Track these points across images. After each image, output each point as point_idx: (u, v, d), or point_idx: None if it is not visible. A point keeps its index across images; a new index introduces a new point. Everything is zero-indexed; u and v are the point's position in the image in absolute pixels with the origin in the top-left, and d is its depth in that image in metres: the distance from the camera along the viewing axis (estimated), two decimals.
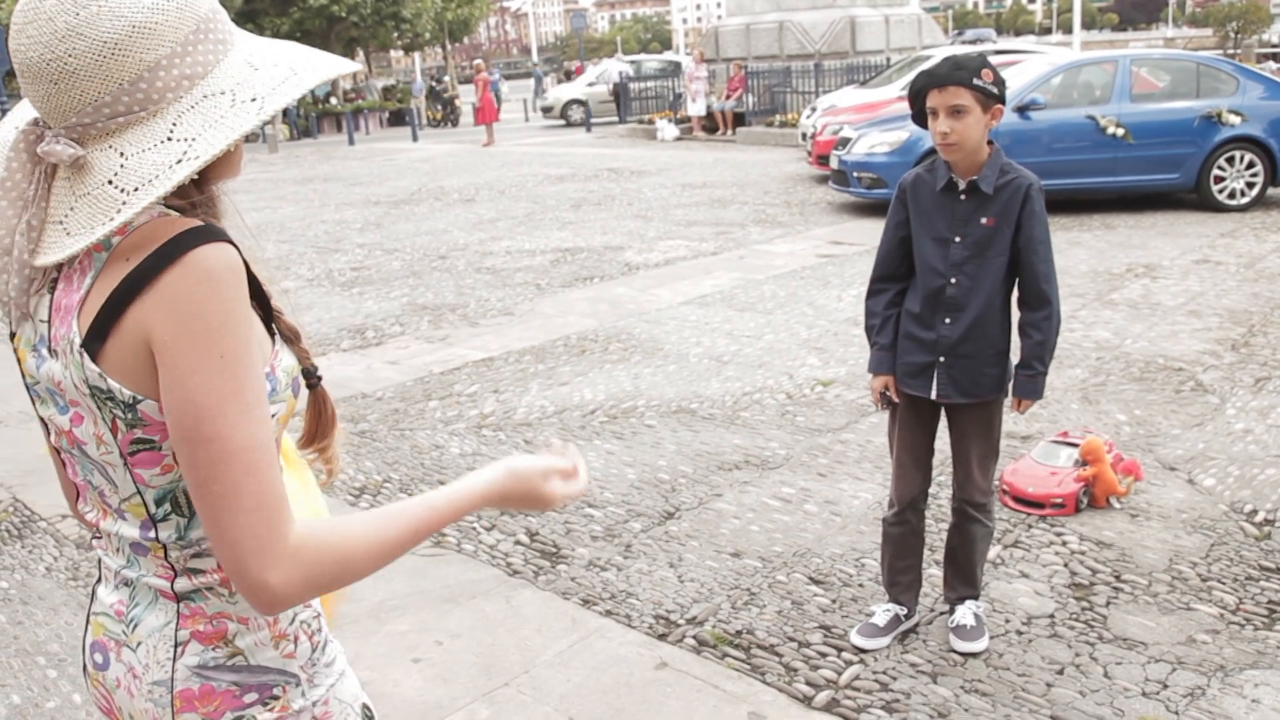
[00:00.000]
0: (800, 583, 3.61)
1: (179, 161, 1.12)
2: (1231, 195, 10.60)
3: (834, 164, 11.78)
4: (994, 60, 2.93)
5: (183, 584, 1.26)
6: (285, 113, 31.14)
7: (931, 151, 3.11)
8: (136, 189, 1.11)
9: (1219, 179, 10.58)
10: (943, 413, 3.14)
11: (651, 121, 24.11)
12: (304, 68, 1.22)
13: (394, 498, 4.48)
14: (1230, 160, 10.53)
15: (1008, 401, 3.11)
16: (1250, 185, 10.57)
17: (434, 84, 34.82)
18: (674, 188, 14.58)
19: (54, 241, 1.15)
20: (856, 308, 7.05)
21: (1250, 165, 10.52)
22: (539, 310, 7.78)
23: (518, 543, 4.02)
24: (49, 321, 1.20)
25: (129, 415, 1.17)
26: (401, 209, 13.89)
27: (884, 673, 3.08)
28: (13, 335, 1.28)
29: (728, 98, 21.97)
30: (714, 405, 5.45)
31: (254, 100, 1.16)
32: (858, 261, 8.83)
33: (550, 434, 5.15)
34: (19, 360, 1.28)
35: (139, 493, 1.23)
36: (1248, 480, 4.27)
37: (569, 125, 28.70)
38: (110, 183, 1.12)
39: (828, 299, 7.64)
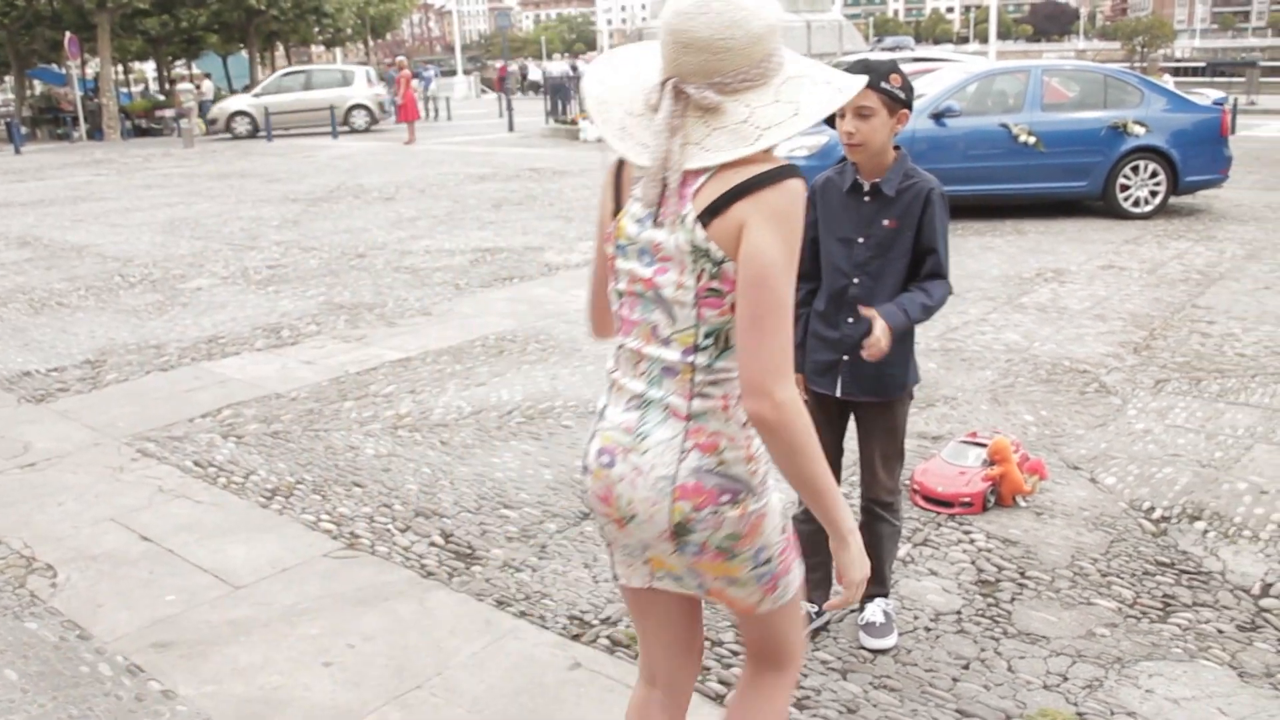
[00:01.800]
0: None
1: (795, 115, 1.70)
2: (1136, 203, 10.92)
3: None
4: (912, 67, 3.00)
5: (696, 404, 1.77)
6: (200, 106, 30.62)
7: None
8: (769, 129, 1.69)
9: (1124, 187, 10.89)
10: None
11: (574, 122, 24.08)
12: (835, 71, 1.78)
13: (306, 499, 4.42)
14: (1135, 169, 10.85)
15: (913, 401, 3.16)
16: (1153, 194, 10.90)
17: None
18: (595, 188, 14.55)
19: (694, 155, 1.70)
20: None
21: (1154, 175, 10.85)
22: (457, 310, 7.72)
23: (432, 544, 3.99)
24: (659, 202, 1.74)
25: (714, 269, 1.71)
26: (320, 207, 13.70)
27: None
28: (615, 213, 1.84)
29: None
30: None
31: (829, 84, 1.75)
32: None
33: (467, 435, 5.12)
34: (619, 229, 1.83)
35: (695, 327, 1.75)
36: (1146, 478, 4.41)
37: (235, 138, 27.28)
38: (745, 122, 1.69)
39: None
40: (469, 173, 17.08)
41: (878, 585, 3.28)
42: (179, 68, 48.21)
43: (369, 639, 3.35)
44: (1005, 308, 7.34)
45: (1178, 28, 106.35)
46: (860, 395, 3.07)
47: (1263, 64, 36.57)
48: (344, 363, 6.42)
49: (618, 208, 1.86)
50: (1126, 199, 10.91)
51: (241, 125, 27.93)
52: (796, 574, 1.96)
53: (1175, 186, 10.93)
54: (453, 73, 52.04)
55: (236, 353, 6.76)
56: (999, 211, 11.14)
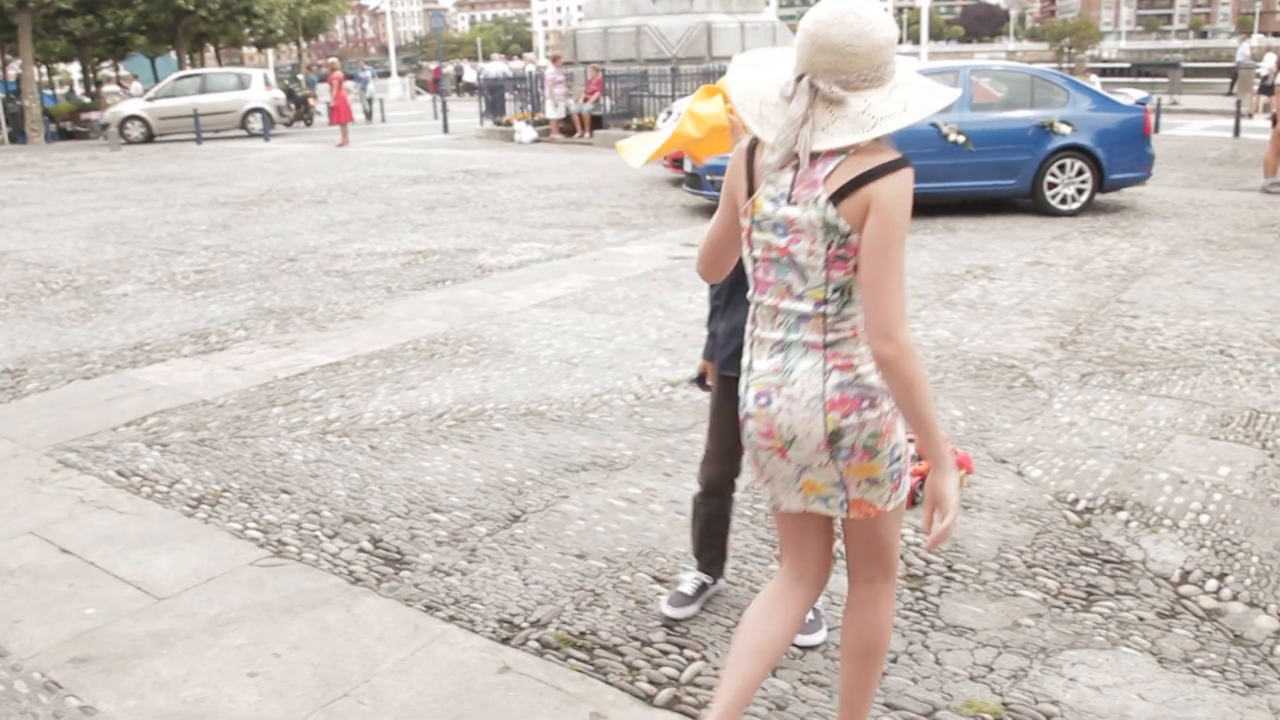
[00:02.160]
0: (644, 582, 3.63)
1: (904, 111, 2.08)
2: (1063, 201, 11.12)
3: (688, 167, 11.92)
4: None
5: (830, 336, 2.18)
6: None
7: None
8: (882, 119, 2.07)
9: (1052, 185, 11.09)
10: None
11: (509, 123, 23.98)
12: (933, 82, 2.15)
13: (233, 507, 4.34)
14: (1062, 167, 11.05)
15: None
16: (1080, 191, 11.11)
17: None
18: (530, 190, 14.53)
19: (820, 138, 2.09)
20: (706, 309, 7.13)
21: (1080, 173, 11.06)
22: (389, 313, 7.64)
23: (360, 550, 3.94)
24: (791, 184, 2.14)
25: (841, 240, 2.11)
26: (250, 210, 13.49)
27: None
28: (750, 193, 2.22)
29: (585, 100, 22.00)
30: (563, 407, 5.45)
31: (931, 91, 2.11)
32: None
33: (397, 439, 5.06)
34: (754, 206, 2.21)
35: (824, 285, 2.15)
36: (1071, 471, 4.48)
37: (129, 142, 26.33)
38: (863, 113, 2.08)
39: (679, 300, 7.71)
40: (402, 175, 16.93)
41: None
42: (105, 69, 47.18)
43: (295, 648, 3.29)
44: (936, 304, 7.43)
45: (1104, 29, 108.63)
46: None
47: (1184, 65, 37.42)
48: (273, 368, 6.32)
49: (750, 186, 2.22)
50: (1054, 197, 11.11)
51: (135, 130, 26.87)
52: (909, 478, 2.35)
53: (1101, 184, 11.15)
54: (387, 74, 51.54)
55: (163, 359, 6.62)
56: (930, 210, 11.27)
